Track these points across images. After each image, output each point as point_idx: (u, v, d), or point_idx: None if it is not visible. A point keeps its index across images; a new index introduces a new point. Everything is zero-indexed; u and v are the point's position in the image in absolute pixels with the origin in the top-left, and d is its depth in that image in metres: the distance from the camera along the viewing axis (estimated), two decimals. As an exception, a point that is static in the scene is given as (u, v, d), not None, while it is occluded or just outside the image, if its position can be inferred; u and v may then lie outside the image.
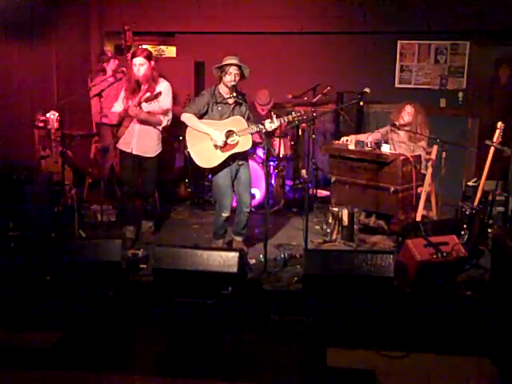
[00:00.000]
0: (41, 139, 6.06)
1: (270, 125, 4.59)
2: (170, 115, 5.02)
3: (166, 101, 4.99)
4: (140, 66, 4.86)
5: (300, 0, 7.07)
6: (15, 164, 5.62)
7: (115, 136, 5.16)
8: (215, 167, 4.73)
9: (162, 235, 5.46)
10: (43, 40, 6.84)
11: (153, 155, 5.09)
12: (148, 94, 4.85)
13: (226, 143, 4.64)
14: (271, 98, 6.39)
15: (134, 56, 4.91)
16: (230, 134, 4.65)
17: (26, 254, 4.59)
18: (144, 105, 4.92)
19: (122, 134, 5.03)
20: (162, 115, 4.98)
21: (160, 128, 5.05)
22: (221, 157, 4.69)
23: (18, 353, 3.48)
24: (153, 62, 4.97)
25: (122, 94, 5.05)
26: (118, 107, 5.06)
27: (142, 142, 5.01)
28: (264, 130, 4.59)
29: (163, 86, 5.00)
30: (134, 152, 5.02)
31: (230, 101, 4.65)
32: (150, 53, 5.04)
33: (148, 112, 4.91)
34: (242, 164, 4.81)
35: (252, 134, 4.67)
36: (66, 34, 7.11)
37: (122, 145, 5.09)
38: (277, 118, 4.63)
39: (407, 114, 5.35)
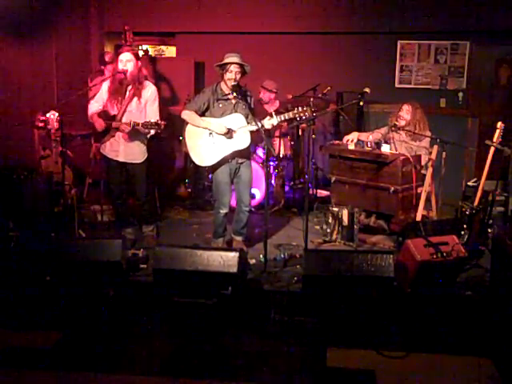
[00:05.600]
0: (41, 139, 6.06)
1: (270, 122, 4.59)
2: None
3: (152, 108, 4.84)
4: (127, 62, 4.72)
5: (300, 0, 7.07)
6: (15, 164, 5.62)
7: (99, 140, 5.00)
8: (215, 165, 4.73)
9: (161, 235, 5.45)
10: (43, 40, 6.84)
11: (141, 161, 4.96)
12: (147, 120, 4.66)
13: (226, 133, 4.63)
14: (277, 88, 6.37)
15: (120, 53, 4.79)
16: (228, 131, 4.65)
17: (26, 254, 4.59)
18: (133, 113, 4.80)
19: (107, 140, 4.90)
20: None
21: (148, 135, 4.91)
22: (218, 155, 4.69)
23: (18, 353, 3.48)
24: (140, 63, 4.87)
25: (104, 94, 4.87)
26: (95, 107, 4.86)
27: (130, 149, 4.89)
28: (263, 128, 4.57)
29: (150, 91, 4.85)
30: (121, 160, 4.91)
31: (231, 96, 4.65)
32: (138, 52, 4.97)
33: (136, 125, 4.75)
34: (242, 162, 4.81)
35: (251, 131, 4.67)
36: (65, 34, 7.11)
37: (108, 152, 4.94)
38: (276, 115, 4.63)
39: (405, 112, 5.36)
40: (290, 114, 4.59)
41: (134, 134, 4.82)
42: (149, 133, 4.85)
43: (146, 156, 5.00)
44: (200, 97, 4.77)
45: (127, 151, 4.90)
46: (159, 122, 4.64)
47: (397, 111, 5.44)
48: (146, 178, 5.06)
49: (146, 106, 4.84)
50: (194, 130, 4.73)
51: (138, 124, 4.67)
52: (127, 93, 4.80)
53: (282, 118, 4.64)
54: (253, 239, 5.27)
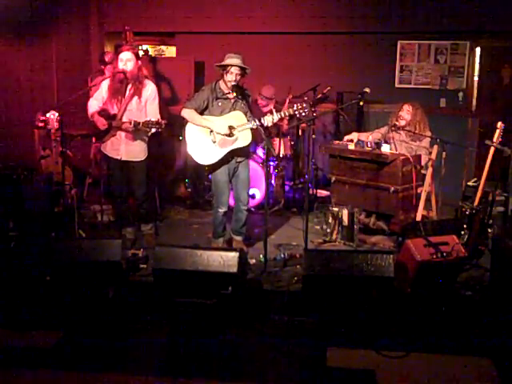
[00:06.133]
0: (41, 139, 6.06)
1: (271, 118, 4.59)
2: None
3: (152, 107, 4.85)
4: (127, 62, 4.72)
5: (300, 0, 7.07)
6: (15, 164, 5.62)
7: (100, 139, 5.02)
8: (215, 164, 4.73)
9: (161, 235, 5.45)
10: (43, 40, 6.85)
11: (141, 159, 4.97)
12: (148, 119, 4.67)
13: (227, 135, 4.63)
14: (275, 94, 6.38)
15: (120, 52, 4.78)
16: (230, 129, 4.65)
17: (26, 254, 4.59)
18: (133, 112, 4.80)
19: (108, 139, 4.91)
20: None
21: (149, 134, 4.91)
22: (220, 153, 4.69)
23: (18, 353, 3.48)
24: (140, 62, 4.88)
25: (103, 92, 4.88)
26: (95, 105, 4.86)
27: (131, 147, 4.90)
28: (264, 125, 4.58)
29: (150, 90, 4.86)
30: (123, 158, 4.92)
31: (231, 95, 4.66)
32: (138, 51, 4.98)
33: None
34: (240, 161, 4.81)
35: (252, 129, 4.67)
36: (65, 34, 7.11)
37: (109, 151, 4.96)
38: (277, 112, 4.64)
39: (406, 112, 5.36)
40: (290, 111, 4.62)
41: (135, 132, 4.83)
42: (150, 131, 4.86)
43: (146, 154, 5.01)
44: (199, 95, 4.76)
45: (128, 150, 4.91)
46: (160, 120, 4.64)
47: (397, 111, 5.44)
48: (146, 176, 5.07)
49: (146, 105, 4.84)
50: (195, 128, 4.73)
51: (138, 123, 4.67)
52: (127, 92, 4.80)
53: (282, 115, 4.66)
54: (253, 239, 5.28)
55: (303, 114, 4.60)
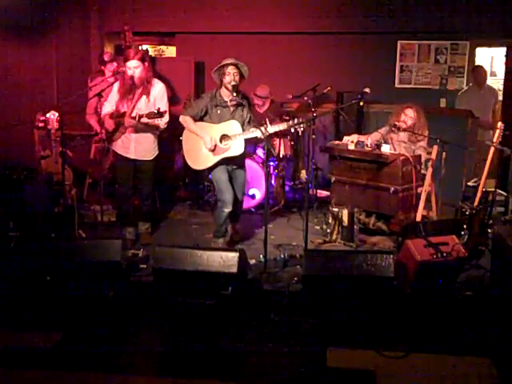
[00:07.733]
0: (41, 139, 6.06)
1: (266, 131, 4.60)
2: (167, 118, 4.90)
3: (161, 104, 4.89)
4: (135, 69, 4.81)
5: (300, 0, 7.07)
6: (15, 164, 5.62)
7: (110, 139, 5.08)
8: (212, 165, 4.78)
9: (162, 235, 5.46)
10: (43, 40, 6.86)
11: (150, 158, 5.05)
12: (150, 110, 4.74)
13: (215, 147, 4.70)
14: (270, 93, 6.40)
15: (127, 59, 4.85)
16: (223, 137, 4.70)
17: (26, 254, 4.59)
18: (142, 110, 4.82)
19: (118, 137, 4.98)
20: (159, 119, 4.88)
21: (157, 132, 5.01)
22: (211, 160, 4.76)
23: (18, 353, 3.48)
24: (146, 64, 4.94)
25: (115, 95, 4.96)
26: (108, 108, 4.99)
27: (140, 146, 4.97)
28: (258, 137, 4.60)
29: (158, 88, 4.94)
30: (132, 157, 4.98)
31: (230, 103, 4.70)
32: (143, 54, 5.01)
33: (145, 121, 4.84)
34: (236, 166, 4.89)
35: (245, 139, 4.69)
36: (66, 34, 7.12)
37: (119, 148, 5.02)
38: (271, 125, 4.69)
39: (409, 118, 5.29)
40: (285, 125, 4.71)
41: (144, 131, 4.90)
42: (158, 127, 4.92)
43: (155, 154, 5.10)
44: (198, 102, 4.86)
45: (138, 148, 4.98)
46: (161, 110, 4.69)
47: (399, 113, 5.36)
48: (153, 176, 5.12)
49: (155, 104, 4.89)
50: (191, 133, 4.81)
51: (142, 115, 4.73)
52: (137, 91, 4.88)
53: (277, 129, 4.73)
54: (253, 239, 5.27)
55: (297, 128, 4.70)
